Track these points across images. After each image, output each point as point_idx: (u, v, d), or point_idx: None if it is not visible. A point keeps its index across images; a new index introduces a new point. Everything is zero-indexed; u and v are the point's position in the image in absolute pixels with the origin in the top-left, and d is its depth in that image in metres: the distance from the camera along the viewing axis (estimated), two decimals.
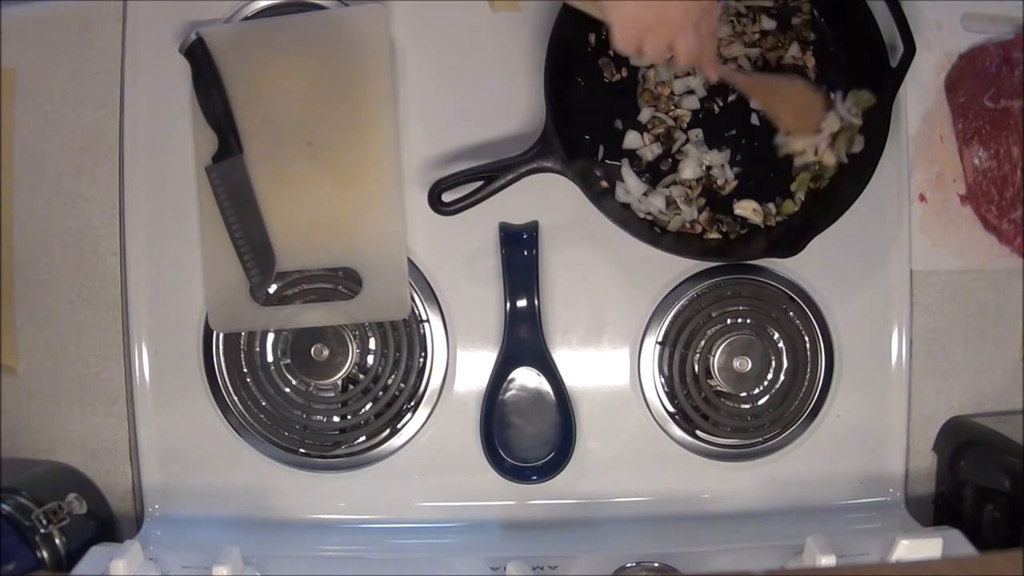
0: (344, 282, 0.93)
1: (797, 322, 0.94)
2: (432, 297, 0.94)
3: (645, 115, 0.92)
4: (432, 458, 0.94)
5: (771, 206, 0.92)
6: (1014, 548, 0.66)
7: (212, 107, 0.91)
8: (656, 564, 0.83)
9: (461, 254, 0.94)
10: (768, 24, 0.93)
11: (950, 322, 0.96)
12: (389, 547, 0.91)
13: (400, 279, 0.92)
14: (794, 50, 0.92)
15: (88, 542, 0.84)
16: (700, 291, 0.93)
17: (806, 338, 0.93)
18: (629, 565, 0.83)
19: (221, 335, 0.93)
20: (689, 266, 0.93)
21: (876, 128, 0.88)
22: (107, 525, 0.94)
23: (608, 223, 0.87)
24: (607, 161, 0.92)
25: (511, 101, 0.93)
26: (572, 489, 0.93)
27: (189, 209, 0.93)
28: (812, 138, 0.89)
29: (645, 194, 0.91)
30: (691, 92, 0.92)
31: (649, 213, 0.91)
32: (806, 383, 0.94)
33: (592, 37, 0.93)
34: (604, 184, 0.92)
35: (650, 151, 0.92)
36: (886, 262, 0.94)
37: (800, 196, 0.92)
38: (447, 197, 0.87)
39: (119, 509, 0.95)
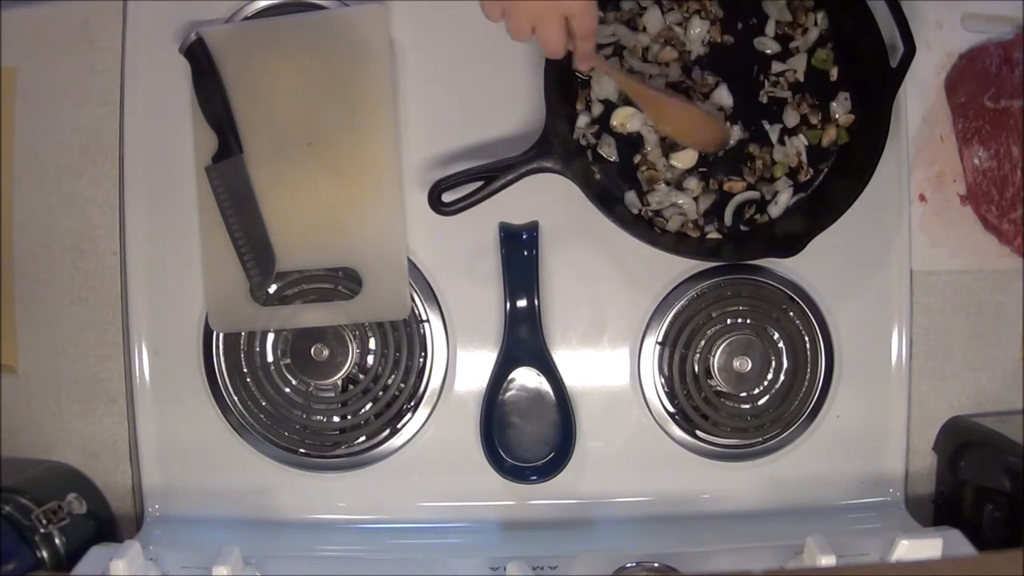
0: (344, 282, 0.93)
1: (797, 322, 0.94)
2: (432, 297, 0.94)
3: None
4: (432, 458, 0.94)
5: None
6: (1014, 548, 0.66)
7: (212, 107, 0.91)
8: (656, 564, 0.83)
9: (461, 254, 0.94)
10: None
11: (950, 322, 0.96)
12: (389, 547, 0.91)
13: (400, 279, 0.92)
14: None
15: (88, 542, 0.84)
16: (700, 291, 0.93)
17: (806, 338, 0.93)
18: (629, 565, 0.83)
19: (221, 335, 0.93)
20: (689, 266, 0.93)
21: (876, 128, 0.88)
22: (107, 525, 0.94)
23: (608, 223, 0.87)
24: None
25: (511, 101, 0.93)
26: (572, 489, 0.93)
27: (189, 209, 0.93)
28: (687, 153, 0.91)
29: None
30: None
31: (649, 211, 0.92)
32: (806, 383, 0.93)
33: None
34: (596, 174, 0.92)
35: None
36: (886, 262, 0.94)
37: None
38: (447, 197, 0.87)
39: (119, 509, 0.95)
